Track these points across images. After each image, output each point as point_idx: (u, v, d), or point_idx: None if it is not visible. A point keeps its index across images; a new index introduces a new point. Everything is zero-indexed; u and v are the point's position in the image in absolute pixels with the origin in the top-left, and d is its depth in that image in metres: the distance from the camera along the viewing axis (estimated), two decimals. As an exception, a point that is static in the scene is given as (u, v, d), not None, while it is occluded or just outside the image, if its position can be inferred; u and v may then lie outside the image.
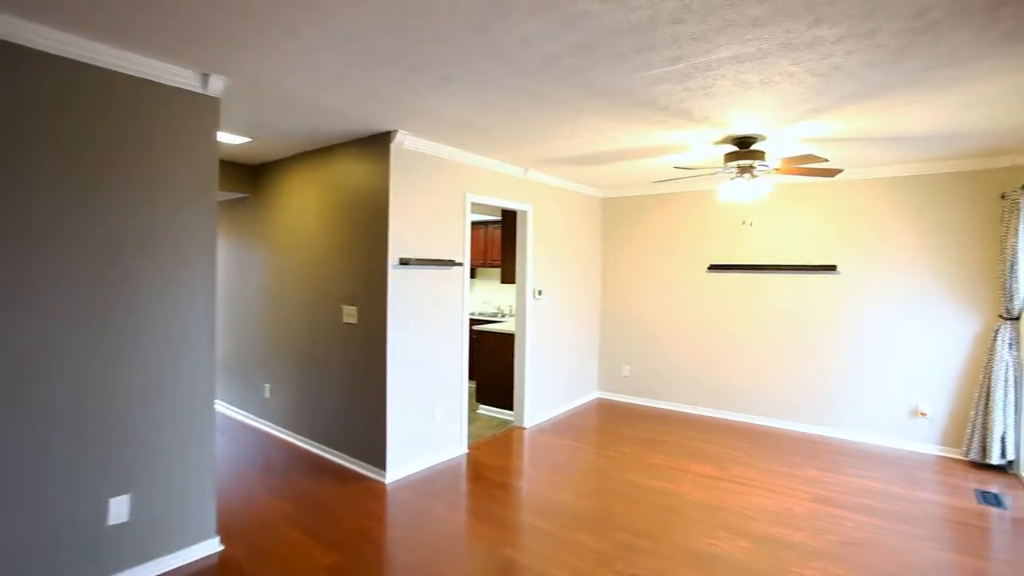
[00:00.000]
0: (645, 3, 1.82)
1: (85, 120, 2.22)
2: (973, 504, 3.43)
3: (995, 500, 3.50)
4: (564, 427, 5.04)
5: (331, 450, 4.09)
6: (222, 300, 5.30)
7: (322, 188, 4.14)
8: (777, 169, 3.43)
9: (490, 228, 7.01)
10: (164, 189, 2.47)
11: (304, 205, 4.32)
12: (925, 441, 4.38)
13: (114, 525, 2.31)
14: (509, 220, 5.62)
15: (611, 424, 5.15)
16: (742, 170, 3.49)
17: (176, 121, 2.50)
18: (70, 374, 2.19)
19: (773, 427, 5.03)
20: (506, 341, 5.33)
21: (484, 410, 5.56)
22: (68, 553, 2.18)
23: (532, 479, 3.82)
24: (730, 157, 3.50)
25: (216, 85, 2.57)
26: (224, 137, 3.72)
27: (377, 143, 3.67)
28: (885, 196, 4.54)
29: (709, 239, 5.42)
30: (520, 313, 5.04)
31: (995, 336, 3.98)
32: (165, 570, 2.51)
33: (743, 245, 5.22)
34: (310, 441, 4.29)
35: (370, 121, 3.35)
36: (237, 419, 5.10)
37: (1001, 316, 3.98)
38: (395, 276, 3.67)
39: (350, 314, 3.88)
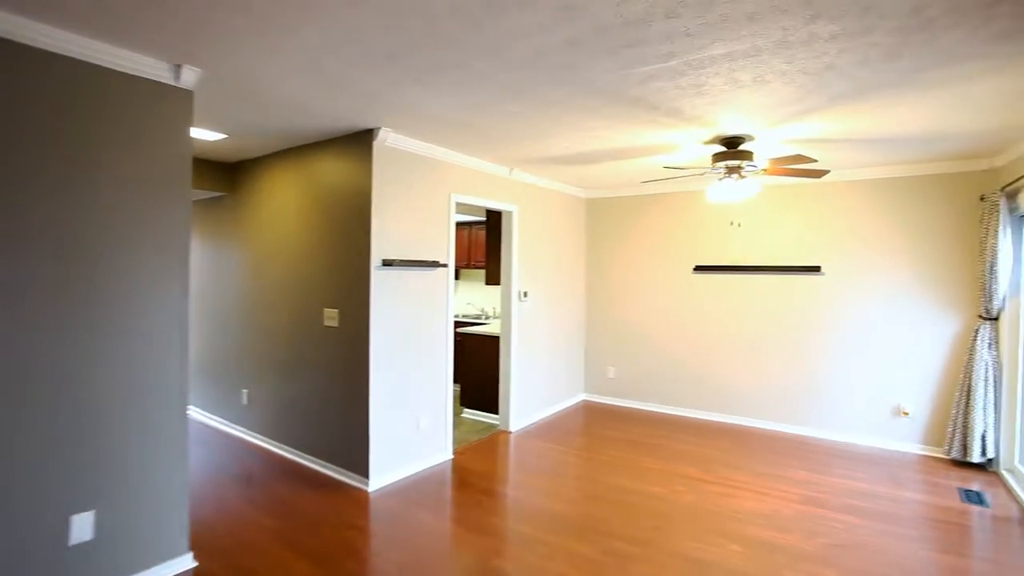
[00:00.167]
0: (641, -5, 1.76)
1: (48, 113, 2.07)
2: (957, 503, 3.46)
3: (977, 498, 3.53)
4: (550, 430, 4.97)
5: (312, 458, 3.96)
6: (197, 302, 5.11)
7: (303, 187, 4.01)
8: (765, 170, 3.42)
9: (474, 229, 6.92)
10: (134, 185, 2.33)
11: (284, 204, 4.18)
12: (908, 440, 4.42)
13: (77, 545, 2.16)
14: (494, 221, 5.54)
15: (597, 427, 5.10)
16: (730, 170, 3.47)
17: (147, 114, 2.37)
18: (26, 380, 2.04)
19: (758, 428, 5.04)
20: (491, 343, 5.24)
21: (469, 414, 5.46)
22: (26, 576, 2.03)
23: (519, 485, 3.75)
24: (718, 157, 3.48)
25: (189, 77, 2.44)
26: (199, 133, 3.57)
27: (359, 141, 3.56)
28: (867, 198, 4.58)
29: (695, 240, 5.41)
30: (505, 315, 4.97)
31: (975, 336, 4.03)
32: (134, 590, 2.37)
33: (729, 246, 5.22)
34: (290, 448, 4.15)
35: (351, 117, 3.24)
36: (213, 426, 4.92)
37: (981, 316, 4.03)
38: (378, 277, 3.57)
39: (331, 317, 3.76)
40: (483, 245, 6.72)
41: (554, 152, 4.05)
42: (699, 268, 5.35)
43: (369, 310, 3.52)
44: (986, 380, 3.95)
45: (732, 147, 3.49)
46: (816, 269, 4.75)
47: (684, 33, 2.02)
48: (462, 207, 5.73)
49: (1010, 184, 3.60)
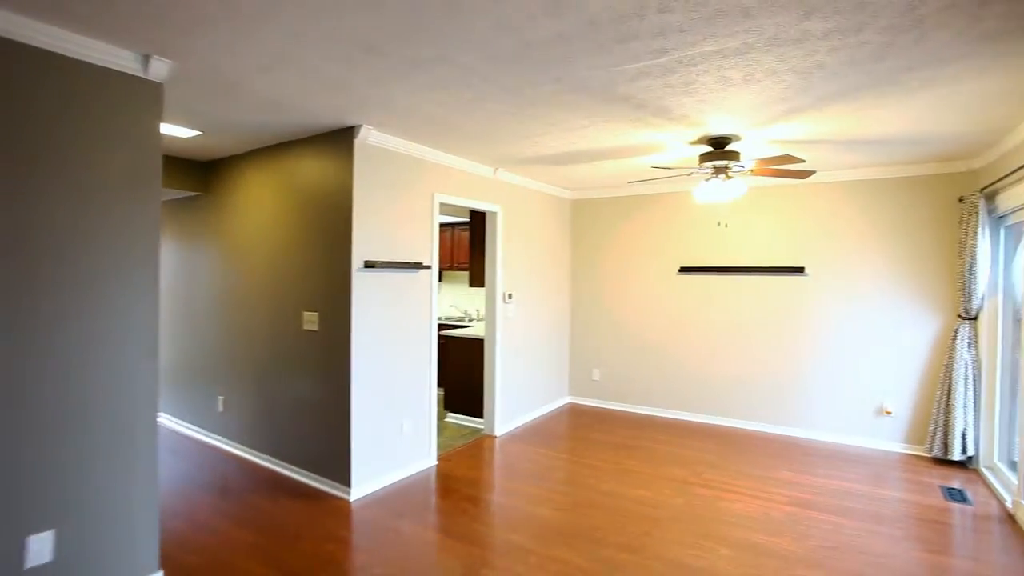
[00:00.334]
0: (635, -13, 1.71)
1: (5, 104, 1.93)
2: (940, 501, 3.49)
3: (960, 496, 3.57)
4: (536, 434, 4.91)
5: (291, 466, 3.82)
6: (171, 306, 4.92)
7: (281, 186, 3.88)
8: (752, 170, 3.41)
9: (457, 230, 6.83)
10: (100, 183, 2.20)
11: (261, 204, 4.04)
12: (890, 439, 4.46)
13: (34, 568, 2.01)
14: (477, 221, 5.46)
15: (583, 429, 5.05)
16: (717, 171, 3.45)
17: (114, 108, 2.23)
18: (-18, 394, 1.89)
19: (744, 429, 5.05)
20: (475, 346, 5.16)
21: (453, 418, 5.36)
22: (-21, 602, 1.89)
23: (506, 491, 3.67)
24: (705, 157, 3.46)
25: (159, 69, 2.31)
26: (171, 129, 3.42)
27: (340, 138, 3.45)
28: (848, 199, 4.62)
29: (679, 242, 5.41)
30: (490, 317, 4.89)
31: (955, 335, 4.09)
32: (99, 612, 2.23)
33: (713, 248, 5.23)
34: (268, 457, 4.00)
35: (332, 114, 3.13)
36: (186, 434, 4.73)
37: (960, 316, 4.09)
38: (360, 279, 3.46)
39: (311, 320, 3.64)
40: (466, 246, 6.64)
41: (540, 152, 3.99)
42: (684, 269, 5.35)
43: (350, 313, 3.41)
44: (966, 379, 4.01)
45: (719, 147, 3.47)
46: (800, 270, 4.77)
47: (677, 28, 1.97)
48: (445, 208, 5.63)
49: (989, 186, 3.66)
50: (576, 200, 6.08)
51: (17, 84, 1.97)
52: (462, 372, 5.28)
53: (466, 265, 6.64)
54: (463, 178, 4.39)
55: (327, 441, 3.57)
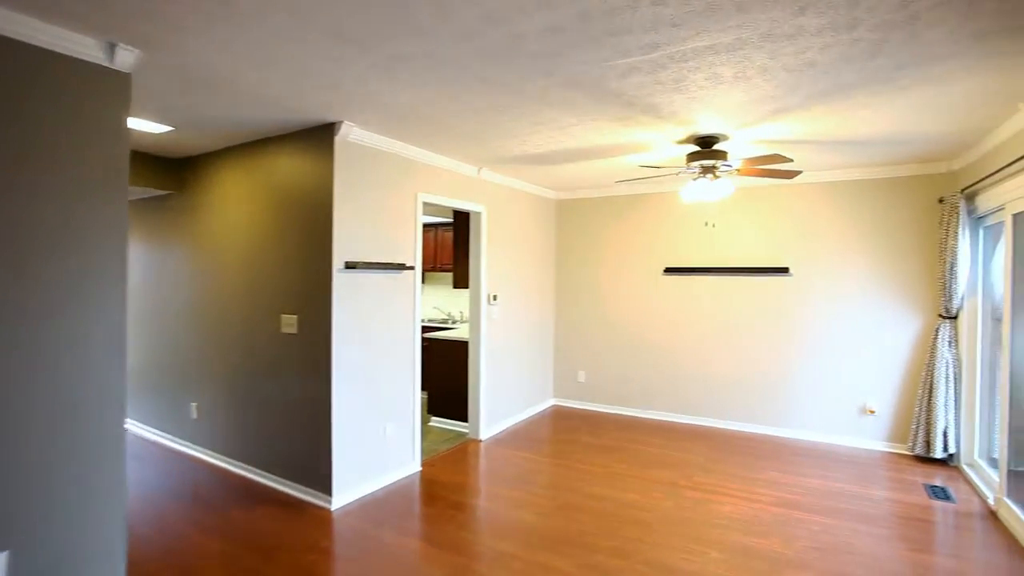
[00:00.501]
0: (628, -23, 1.65)
1: (-50, 91, 1.80)
2: (924, 499, 3.51)
3: (943, 494, 3.60)
4: (521, 438, 4.84)
5: (268, 475, 3.69)
6: (143, 308, 4.72)
7: (258, 185, 3.74)
8: (739, 170, 3.39)
9: (440, 230, 6.73)
10: (63, 179, 2.06)
11: (237, 204, 3.89)
12: (874, 438, 4.50)
13: (-11, 591, 1.88)
14: (461, 222, 5.37)
15: (569, 432, 4.99)
16: (705, 170, 3.43)
17: (76, 99, 2.10)
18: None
19: (729, 429, 5.05)
20: (459, 349, 5.07)
21: (436, 422, 5.26)
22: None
23: (492, 496, 3.59)
24: (693, 157, 3.43)
25: (125, 58, 2.18)
26: (141, 124, 3.26)
27: (320, 135, 3.34)
28: (831, 200, 4.65)
29: (664, 242, 5.39)
30: (474, 319, 4.80)
31: (936, 335, 4.13)
32: (61, 636, 2.09)
33: (698, 248, 5.22)
34: (244, 465, 3.86)
35: (312, 110, 3.02)
36: (158, 442, 4.55)
37: (941, 315, 4.13)
38: (340, 281, 3.35)
39: (289, 323, 3.51)
40: (450, 247, 6.54)
41: (527, 151, 3.92)
42: (669, 270, 5.33)
43: (331, 315, 3.29)
44: (947, 377, 4.05)
45: (706, 147, 3.45)
46: (784, 270, 4.79)
47: (670, 22, 1.92)
48: (428, 208, 5.54)
49: (969, 187, 3.70)
50: (561, 200, 6.03)
51: (-31, 71, 1.84)
52: (446, 375, 5.19)
53: (450, 266, 6.55)
54: (447, 177, 4.30)
55: (307, 448, 3.45)
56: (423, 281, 7.18)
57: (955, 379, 4.06)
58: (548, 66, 2.33)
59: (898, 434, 4.41)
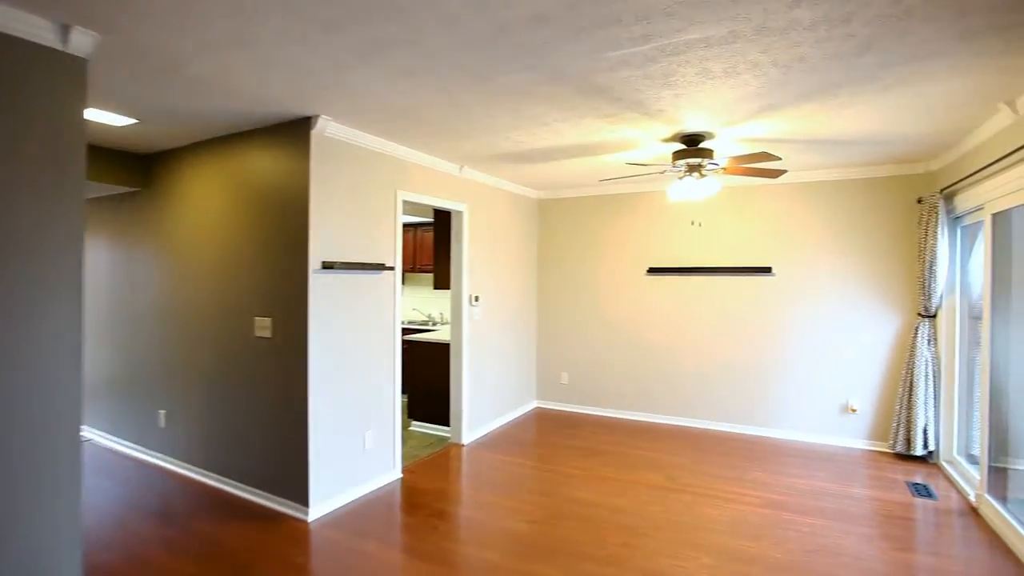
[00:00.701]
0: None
1: None
2: (907, 497, 3.53)
3: (925, 491, 3.62)
4: (505, 441, 4.74)
5: (242, 485, 3.52)
6: (106, 311, 4.48)
7: (230, 181, 3.58)
8: (725, 168, 3.36)
9: (420, 230, 6.60)
10: (9, 174, 1.90)
11: (207, 201, 3.72)
12: (855, 436, 4.53)
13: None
14: (442, 222, 5.27)
15: (553, 435, 4.92)
16: (691, 168, 3.39)
17: (26, 86, 1.94)
18: None
19: (713, 429, 5.03)
20: (440, 351, 4.95)
21: (417, 427, 5.14)
22: None
23: (476, 504, 3.48)
24: (679, 155, 3.39)
25: (81, 41, 2.03)
26: (102, 116, 3.08)
27: (295, 130, 3.20)
28: (811, 200, 4.67)
29: (648, 242, 5.36)
30: (456, 321, 4.69)
31: (915, 333, 4.17)
32: (10, 669, 1.92)
33: (682, 249, 5.20)
34: (216, 476, 3.68)
35: (286, 102, 2.88)
36: (123, 452, 4.32)
37: (920, 314, 4.18)
38: (317, 282, 3.21)
39: (263, 326, 3.36)
40: (430, 247, 6.42)
41: (510, 148, 3.83)
42: (652, 270, 5.30)
43: (307, 317, 3.15)
44: (926, 376, 4.09)
45: (692, 145, 3.41)
46: (767, 270, 4.79)
47: (663, 12, 1.85)
48: (408, 207, 5.42)
49: (948, 187, 3.74)
50: (543, 200, 5.96)
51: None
52: (427, 378, 5.07)
53: (430, 267, 6.43)
54: (428, 175, 4.19)
55: (282, 456, 3.29)
56: (403, 282, 7.04)
57: (934, 377, 4.10)
58: (533, 58, 2.24)
59: (879, 432, 4.45)
